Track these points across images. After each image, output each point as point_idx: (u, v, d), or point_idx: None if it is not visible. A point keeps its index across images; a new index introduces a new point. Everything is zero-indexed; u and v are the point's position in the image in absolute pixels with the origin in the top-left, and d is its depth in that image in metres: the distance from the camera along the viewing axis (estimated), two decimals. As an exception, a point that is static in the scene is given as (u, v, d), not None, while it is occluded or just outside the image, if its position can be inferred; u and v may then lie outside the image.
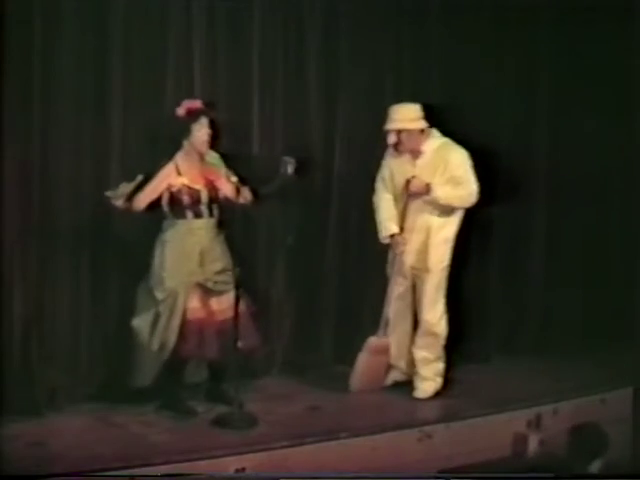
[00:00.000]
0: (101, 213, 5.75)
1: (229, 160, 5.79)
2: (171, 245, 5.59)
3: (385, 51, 6.59)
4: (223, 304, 5.64)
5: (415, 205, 5.96)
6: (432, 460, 5.45)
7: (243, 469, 5.03)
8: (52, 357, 5.72)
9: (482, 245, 6.84)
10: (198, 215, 5.63)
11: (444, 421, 5.71)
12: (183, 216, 5.61)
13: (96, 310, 5.87)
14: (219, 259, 5.68)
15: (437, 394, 6.09)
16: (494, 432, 5.73)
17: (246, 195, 5.68)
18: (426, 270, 5.98)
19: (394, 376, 6.24)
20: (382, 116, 5.94)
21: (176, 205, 5.59)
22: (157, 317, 5.56)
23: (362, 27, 6.47)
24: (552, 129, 7.13)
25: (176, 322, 5.57)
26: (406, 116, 5.87)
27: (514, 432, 5.76)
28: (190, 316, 5.60)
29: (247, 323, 5.69)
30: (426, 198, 5.90)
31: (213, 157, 5.72)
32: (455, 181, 5.88)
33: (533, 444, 5.70)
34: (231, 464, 5.04)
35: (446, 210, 5.94)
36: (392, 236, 6.00)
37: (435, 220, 5.95)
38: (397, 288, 6.10)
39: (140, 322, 5.56)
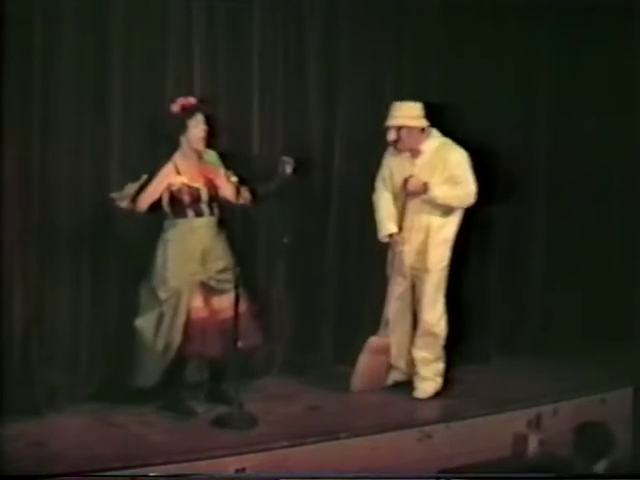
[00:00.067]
0: (101, 213, 5.76)
1: (229, 160, 5.79)
2: (173, 244, 5.59)
3: (385, 51, 6.59)
4: (226, 303, 5.63)
5: (414, 205, 5.96)
6: (432, 460, 5.45)
7: (243, 469, 5.03)
8: (52, 357, 5.72)
9: (482, 245, 6.84)
10: (199, 214, 5.63)
11: (444, 421, 5.71)
12: (184, 215, 5.61)
13: (96, 310, 5.87)
14: (221, 258, 5.68)
15: (437, 394, 6.09)
16: (494, 432, 5.73)
17: (245, 196, 5.68)
18: (425, 270, 5.98)
19: (394, 376, 6.25)
20: (382, 116, 5.95)
21: (177, 204, 5.59)
22: (161, 317, 5.56)
23: (362, 27, 6.47)
24: (552, 129, 7.13)
25: (180, 321, 5.57)
26: (407, 113, 5.88)
27: (514, 432, 5.76)
28: (194, 315, 5.61)
29: (248, 322, 5.69)
30: (424, 197, 5.90)
31: (211, 155, 5.72)
32: (453, 181, 5.88)
33: (533, 444, 5.70)
34: (231, 464, 5.04)
35: (445, 210, 5.94)
36: (391, 235, 6.01)
37: (435, 220, 5.96)
38: (397, 288, 6.10)
39: (143, 322, 5.56)
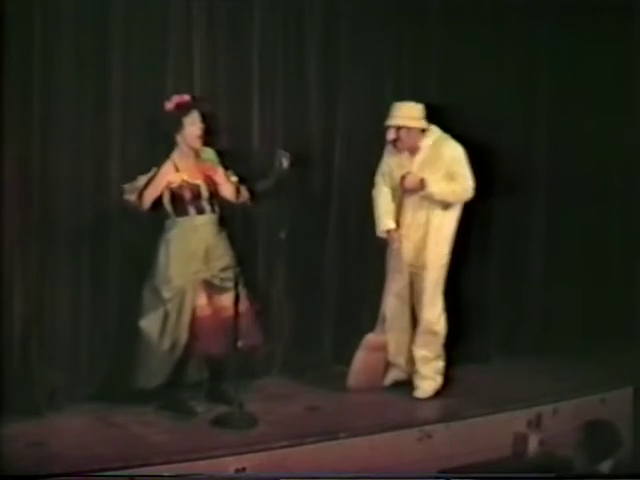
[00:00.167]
0: (101, 213, 5.76)
1: (229, 160, 5.79)
2: (175, 243, 5.59)
3: (385, 51, 6.59)
4: (228, 301, 5.62)
5: (413, 201, 5.97)
6: (432, 460, 5.45)
7: (243, 469, 5.03)
8: (52, 357, 5.72)
9: (482, 245, 6.84)
10: (200, 211, 5.63)
11: (444, 421, 5.71)
12: (186, 213, 5.61)
13: (96, 310, 5.87)
14: (223, 256, 5.69)
15: (437, 394, 6.09)
16: (494, 432, 5.73)
17: (245, 195, 5.68)
18: (424, 267, 5.99)
19: (394, 374, 6.24)
20: (382, 116, 5.95)
21: (178, 202, 5.59)
22: (166, 316, 5.56)
23: (362, 27, 6.47)
24: (552, 129, 7.13)
25: (186, 320, 5.58)
26: (407, 114, 5.88)
27: (514, 432, 5.76)
28: (199, 313, 5.62)
29: (249, 322, 5.70)
30: (421, 194, 5.91)
31: (208, 153, 5.73)
32: (450, 176, 5.89)
33: (533, 444, 5.70)
34: (231, 464, 5.04)
35: (444, 205, 5.95)
36: (388, 232, 6.01)
37: (433, 216, 5.96)
38: (394, 284, 6.10)
39: (148, 323, 5.55)
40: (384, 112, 5.95)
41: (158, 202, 5.60)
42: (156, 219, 5.64)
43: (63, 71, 5.60)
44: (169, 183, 5.57)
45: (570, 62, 7.03)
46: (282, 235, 5.74)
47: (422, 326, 6.07)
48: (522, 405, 5.93)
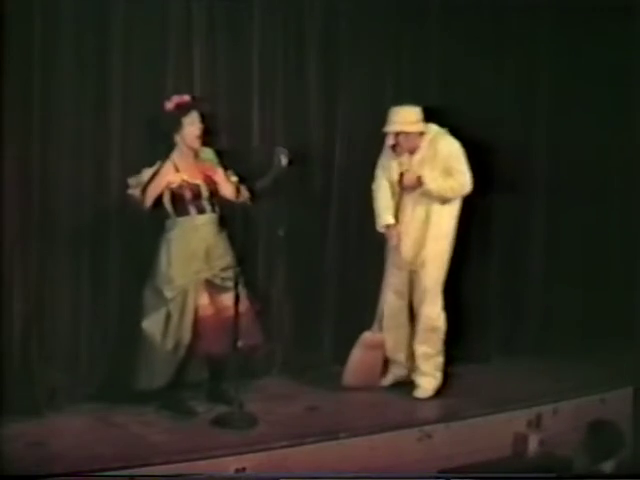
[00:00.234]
0: (101, 213, 5.76)
1: (230, 159, 5.79)
2: (176, 243, 5.59)
3: (385, 51, 6.59)
4: (230, 301, 5.61)
5: (412, 198, 5.98)
6: (432, 460, 5.45)
7: (243, 469, 5.03)
8: (52, 357, 5.71)
9: (482, 245, 6.84)
10: (201, 211, 5.63)
11: (444, 421, 5.70)
12: (186, 212, 5.61)
13: (96, 310, 5.87)
14: (224, 255, 5.69)
15: (437, 393, 6.09)
16: (494, 432, 5.73)
17: (245, 194, 5.68)
18: (424, 264, 5.98)
19: (394, 373, 6.24)
20: (382, 115, 5.95)
21: (178, 202, 5.59)
22: (168, 316, 5.55)
23: (362, 27, 6.47)
24: (552, 129, 7.14)
25: (189, 320, 5.58)
26: (406, 119, 5.89)
27: (514, 432, 5.75)
28: (201, 313, 5.61)
29: (249, 322, 5.69)
30: (420, 190, 5.91)
31: (207, 153, 5.73)
32: (447, 172, 5.90)
33: (533, 444, 5.70)
34: (231, 464, 5.04)
35: (442, 200, 5.95)
36: (388, 227, 6.02)
37: (433, 213, 5.96)
38: (392, 280, 6.10)
39: (150, 323, 5.55)
40: (384, 111, 5.95)
41: (158, 202, 5.60)
42: (156, 219, 5.64)
43: (63, 71, 5.60)
44: (169, 183, 5.57)
45: (570, 62, 7.03)
46: (280, 233, 5.74)
47: (422, 323, 6.07)
48: (522, 405, 5.93)
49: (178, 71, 5.94)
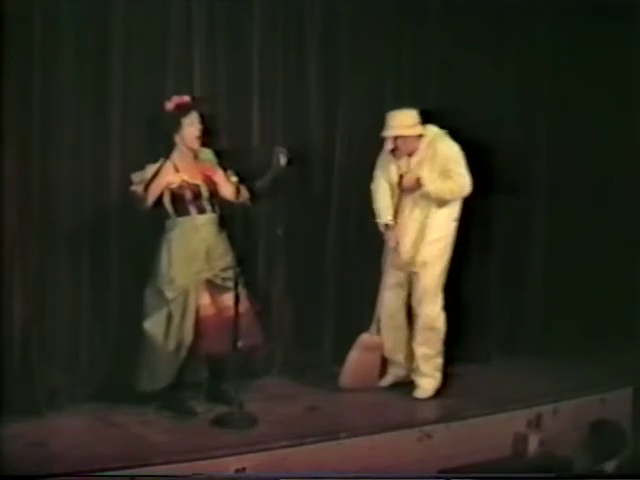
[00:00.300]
0: (101, 213, 5.76)
1: (230, 160, 5.79)
2: (177, 243, 5.59)
3: (385, 51, 6.59)
4: (231, 301, 5.61)
5: (411, 199, 5.98)
6: (432, 460, 5.45)
7: (243, 469, 5.03)
8: (52, 357, 5.71)
9: (482, 245, 6.84)
10: (201, 211, 5.64)
11: (444, 421, 5.70)
12: (187, 212, 5.61)
13: (96, 310, 5.87)
14: (224, 255, 5.69)
15: (437, 393, 6.09)
16: (494, 432, 5.73)
17: (245, 195, 5.68)
18: (424, 265, 5.98)
19: (393, 374, 6.24)
20: (382, 115, 5.95)
21: (178, 202, 5.59)
22: (170, 317, 5.55)
23: (362, 27, 6.47)
24: (552, 129, 7.14)
25: (190, 320, 5.58)
26: (403, 122, 5.89)
27: (514, 432, 5.76)
28: (203, 313, 5.61)
29: (249, 322, 5.69)
30: (419, 192, 5.92)
31: (207, 154, 5.73)
32: (446, 174, 5.90)
33: (533, 444, 5.70)
34: (231, 464, 5.04)
35: (441, 202, 5.95)
36: (387, 226, 6.02)
37: (432, 214, 5.96)
38: (390, 280, 6.10)
39: (152, 324, 5.54)
40: (384, 111, 5.95)
41: (159, 201, 5.60)
42: (157, 219, 5.64)
43: (63, 71, 5.60)
44: (169, 183, 5.57)
45: (570, 62, 7.03)
46: (279, 232, 5.74)
47: (422, 323, 6.07)
48: (522, 405, 5.93)
49: (178, 71, 5.94)
